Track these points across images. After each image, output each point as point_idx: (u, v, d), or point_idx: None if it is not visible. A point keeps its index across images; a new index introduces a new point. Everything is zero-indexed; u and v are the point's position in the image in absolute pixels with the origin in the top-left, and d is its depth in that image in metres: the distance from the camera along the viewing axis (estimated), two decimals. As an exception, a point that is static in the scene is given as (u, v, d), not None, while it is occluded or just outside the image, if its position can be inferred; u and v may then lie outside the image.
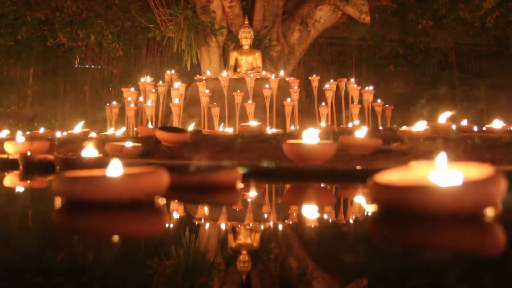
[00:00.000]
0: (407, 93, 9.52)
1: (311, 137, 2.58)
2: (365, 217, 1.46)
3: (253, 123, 4.97)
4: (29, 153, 3.04)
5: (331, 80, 6.54)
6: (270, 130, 5.10)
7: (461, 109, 8.82)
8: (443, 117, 4.01)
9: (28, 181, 2.59)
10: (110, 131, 5.92)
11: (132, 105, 6.38)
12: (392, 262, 0.95)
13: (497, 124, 4.69)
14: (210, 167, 2.37)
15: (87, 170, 1.50)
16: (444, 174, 1.22)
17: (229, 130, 5.40)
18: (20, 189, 2.34)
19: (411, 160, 1.36)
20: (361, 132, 3.00)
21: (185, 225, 1.36)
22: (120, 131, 5.68)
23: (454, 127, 4.27)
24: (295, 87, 6.14)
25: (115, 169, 1.37)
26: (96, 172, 1.43)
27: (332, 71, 10.17)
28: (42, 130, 5.49)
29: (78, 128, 5.08)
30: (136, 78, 7.43)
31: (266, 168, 2.52)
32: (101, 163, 1.43)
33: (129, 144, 3.13)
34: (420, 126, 3.58)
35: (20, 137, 3.55)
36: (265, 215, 1.52)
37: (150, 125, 5.81)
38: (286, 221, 1.40)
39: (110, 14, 8.41)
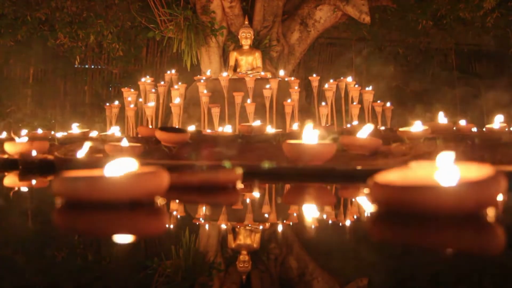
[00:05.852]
0: (407, 93, 9.53)
1: (310, 136, 2.58)
2: (365, 217, 1.46)
3: (256, 123, 4.96)
4: (34, 153, 3.01)
5: (331, 80, 6.54)
6: (271, 130, 5.10)
7: (461, 109, 8.82)
8: (443, 117, 4.01)
9: (28, 181, 2.59)
10: (110, 131, 5.92)
11: (132, 105, 6.38)
12: (392, 262, 0.95)
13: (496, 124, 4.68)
14: (210, 167, 2.37)
15: (87, 170, 1.50)
16: (444, 174, 1.22)
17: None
18: (20, 189, 2.34)
19: (411, 160, 1.36)
20: (362, 132, 2.99)
21: (185, 225, 1.36)
22: (112, 131, 5.66)
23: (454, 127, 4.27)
24: (295, 87, 6.14)
25: (115, 169, 1.37)
26: (96, 172, 1.43)
27: (332, 71, 10.17)
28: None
29: None
30: (136, 78, 7.43)
31: (265, 168, 2.52)
32: (101, 163, 1.43)
33: (125, 143, 3.12)
34: (418, 126, 3.58)
35: (22, 136, 3.55)
36: (265, 215, 1.52)
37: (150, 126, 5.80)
38: (286, 221, 1.40)
39: (110, 14, 8.41)
